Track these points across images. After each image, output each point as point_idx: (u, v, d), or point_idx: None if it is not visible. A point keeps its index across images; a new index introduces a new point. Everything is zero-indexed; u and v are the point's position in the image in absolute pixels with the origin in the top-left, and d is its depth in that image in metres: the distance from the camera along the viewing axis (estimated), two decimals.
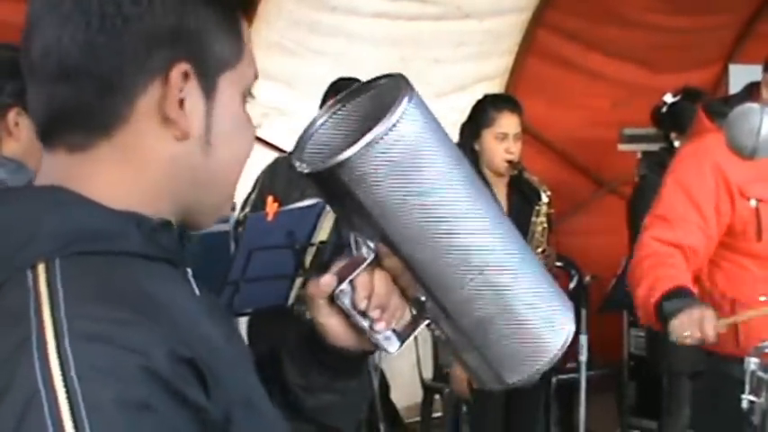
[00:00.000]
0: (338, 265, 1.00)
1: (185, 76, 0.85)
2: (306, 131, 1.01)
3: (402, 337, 1.02)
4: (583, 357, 3.28)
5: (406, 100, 0.92)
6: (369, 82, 1.00)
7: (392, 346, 1.02)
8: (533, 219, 3.43)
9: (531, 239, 3.43)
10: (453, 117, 4.68)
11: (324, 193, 0.98)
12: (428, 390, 4.09)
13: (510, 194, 3.50)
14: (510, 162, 3.41)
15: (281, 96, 4.00)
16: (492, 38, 4.65)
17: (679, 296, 2.14)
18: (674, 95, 3.87)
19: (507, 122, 3.43)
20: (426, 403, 4.13)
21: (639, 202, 3.80)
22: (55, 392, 0.74)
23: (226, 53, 0.88)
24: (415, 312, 1.02)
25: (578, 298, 3.38)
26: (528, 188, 3.45)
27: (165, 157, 0.87)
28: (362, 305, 0.99)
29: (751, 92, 2.27)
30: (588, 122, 4.91)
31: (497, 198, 3.46)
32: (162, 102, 0.84)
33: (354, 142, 0.92)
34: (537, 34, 4.78)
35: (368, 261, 0.98)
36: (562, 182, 4.61)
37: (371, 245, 0.98)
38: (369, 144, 0.91)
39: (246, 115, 0.92)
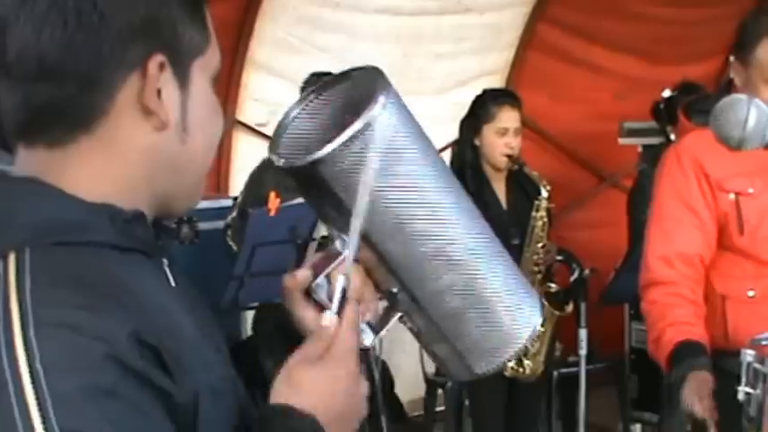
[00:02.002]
0: (314, 258, 1.01)
1: (161, 66, 0.86)
2: (281, 124, 1.00)
3: (376, 329, 1.02)
4: (582, 351, 3.28)
5: (383, 96, 0.92)
6: (343, 73, 1.00)
7: (367, 338, 1.01)
8: (533, 213, 3.42)
9: (530, 234, 3.43)
10: (455, 112, 4.70)
11: (300, 187, 0.98)
12: (431, 384, 4.10)
13: (509, 189, 3.49)
14: (510, 156, 3.41)
15: (287, 93, 4.01)
16: (493, 32, 4.65)
17: (681, 357, 2.15)
18: (673, 90, 3.87)
19: (508, 117, 3.43)
20: (429, 397, 4.13)
21: (639, 197, 3.81)
22: (21, 383, 0.75)
23: (195, 41, 0.90)
24: (387, 305, 1.02)
25: (577, 292, 3.39)
26: (528, 183, 3.44)
27: (144, 148, 0.88)
28: None
29: (730, 87, 2.27)
30: (589, 116, 4.91)
31: (497, 193, 3.47)
32: (141, 93, 0.86)
33: (331, 135, 0.92)
34: (537, 28, 4.77)
35: (343, 255, 0.97)
36: (564, 176, 4.62)
37: (346, 238, 0.96)
38: (348, 141, 0.91)
39: (216, 99, 0.94)
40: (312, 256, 1.01)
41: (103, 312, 0.79)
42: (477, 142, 3.46)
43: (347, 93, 1.00)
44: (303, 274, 0.98)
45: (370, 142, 0.91)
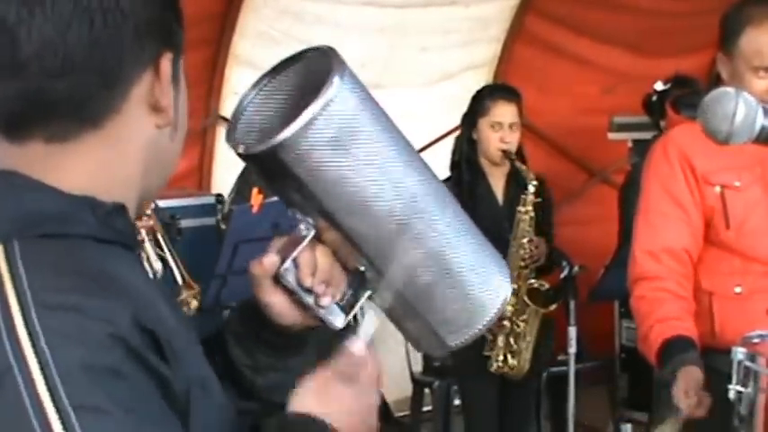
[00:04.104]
0: (278, 243, 1.01)
1: (171, 63, 0.89)
2: (236, 110, 1.01)
3: (346, 310, 1.03)
4: (572, 350, 3.24)
5: (338, 76, 0.92)
6: (295, 55, 1.00)
7: (338, 320, 1.03)
8: (519, 208, 3.40)
9: (516, 228, 3.39)
10: (441, 106, 4.63)
11: (262, 173, 0.98)
12: (418, 383, 4.06)
13: (508, 184, 3.48)
14: (504, 151, 3.39)
15: None
16: (479, 25, 4.59)
17: (671, 353, 2.14)
18: (665, 83, 3.83)
19: (502, 111, 3.43)
20: (416, 397, 4.10)
21: (631, 192, 3.75)
22: (27, 365, 0.75)
23: (181, 39, 0.93)
24: (355, 284, 1.03)
25: (567, 289, 3.34)
26: (521, 178, 3.42)
27: (145, 145, 0.90)
28: (308, 282, 1.00)
29: (719, 81, 2.27)
30: (579, 110, 4.85)
31: (493, 188, 3.48)
32: (151, 91, 0.88)
33: (288, 119, 0.92)
34: (525, 21, 4.71)
35: (309, 237, 0.99)
36: (553, 171, 4.53)
37: (311, 221, 0.99)
38: (307, 123, 0.91)
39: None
40: (277, 241, 1.02)
41: (103, 296, 0.80)
42: (474, 136, 3.47)
43: (301, 74, 1.00)
44: (270, 260, 1.00)
45: (329, 123, 0.92)
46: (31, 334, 0.76)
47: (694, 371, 2.07)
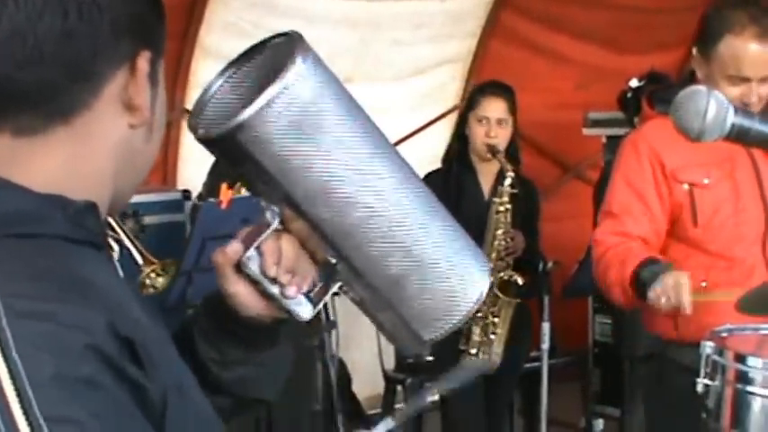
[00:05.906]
0: (244, 232, 1.00)
1: (148, 62, 0.88)
2: (201, 98, 0.99)
3: (314, 301, 1.02)
4: (545, 345, 3.22)
5: (300, 58, 0.91)
6: (263, 42, 0.99)
7: (305, 311, 1.01)
8: (494, 198, 3.39)
9: (490, 219, 3.38)
10: (413, 101, 4.60)
11: (224, 159, 0.97)
12: (390, 380, 4.02)
13: (496, 181, 3.48)
14: (489, 146, 3.38)
15: None
16: (453, 19, 4.56)
17: (654, 263, 2.14)
18: (640, 80, 3.83)
19: (489, 107, 3.46)
20: (388, 394, 4.06)
21: (605, 188, 3.74)
22: None
23: (163, 40, 0.92)
24: (326, 276, 1.01)
25: (541, 285, 3.32)
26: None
27: (117, 144, 0.88)
28: (272, 271, 0.98)
29: (693, 79, 2.28)
30: (553, 106, 4.83)
31: (481, 183, 3.49)
32: (125, 89, 0.87)
33: (249, 102, 0.90)
34: (501, 16, 4.68)
35: (273, 225, 0.97)
36: (527, 166, 4.51)
37: (276, 209, 0.97)
38: (264, 105, 0.89)
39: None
40: (243, 230, 1.01)
41: (77, 303, 0.78)
42: (466, 131, 3.50)
43: (267, 61, 0.98)
44: (233, 247, 0.99)
45: (287, 106, 0.90)
46: (2, 342, 0.74)
47: (679, 272, 2.06)
